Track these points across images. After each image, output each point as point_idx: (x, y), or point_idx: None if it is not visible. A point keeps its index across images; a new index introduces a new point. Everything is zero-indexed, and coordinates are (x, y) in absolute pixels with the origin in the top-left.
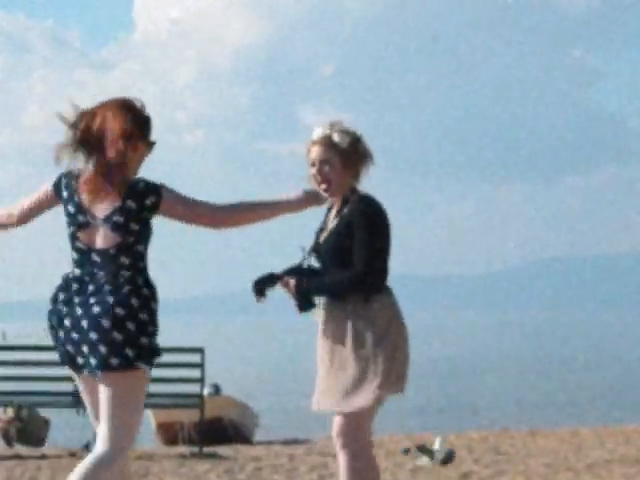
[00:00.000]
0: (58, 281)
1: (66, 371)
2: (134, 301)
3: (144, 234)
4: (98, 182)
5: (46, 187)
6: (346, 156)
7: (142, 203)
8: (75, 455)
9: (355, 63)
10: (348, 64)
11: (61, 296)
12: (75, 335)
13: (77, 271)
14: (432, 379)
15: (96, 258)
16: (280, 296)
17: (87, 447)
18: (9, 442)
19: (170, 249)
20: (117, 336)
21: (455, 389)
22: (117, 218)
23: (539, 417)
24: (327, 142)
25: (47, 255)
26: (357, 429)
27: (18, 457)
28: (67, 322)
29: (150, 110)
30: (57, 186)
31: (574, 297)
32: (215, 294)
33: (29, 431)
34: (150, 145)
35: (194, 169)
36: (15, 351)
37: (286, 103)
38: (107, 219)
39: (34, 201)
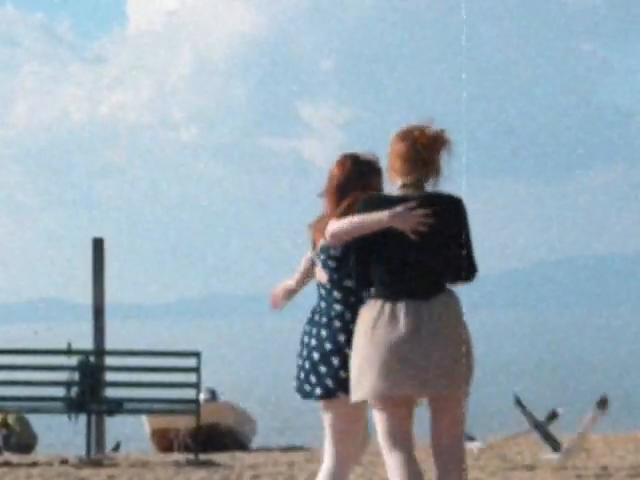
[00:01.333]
0: (46, 283)
1: (58, 375)
2: (341, 337)
3: (341, 271)
4: (317, 227)
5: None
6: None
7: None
8: (67, 462)
9: (355, 57)
10: (348, 58)
11: (306, 327)
12: (307, 365)
13: (315, 302)
14: None
15: (322, 291)
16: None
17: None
18: None
19: (169, 251)
20: (322, 369)
21: None
22: (323, 257)
23: None
24: None
25: (35, 258)
26: (378, 428)
27: (8, 464)
28: (304, 352)
29: (145, 105)
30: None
31: (586, 298)
32: (213, 296)
33: (16, 438)
34: (372, 186)
35: (190, 166)
36: (3, 355)
37: (284, 98)
38: (318, 257)
39: (304, 268)
